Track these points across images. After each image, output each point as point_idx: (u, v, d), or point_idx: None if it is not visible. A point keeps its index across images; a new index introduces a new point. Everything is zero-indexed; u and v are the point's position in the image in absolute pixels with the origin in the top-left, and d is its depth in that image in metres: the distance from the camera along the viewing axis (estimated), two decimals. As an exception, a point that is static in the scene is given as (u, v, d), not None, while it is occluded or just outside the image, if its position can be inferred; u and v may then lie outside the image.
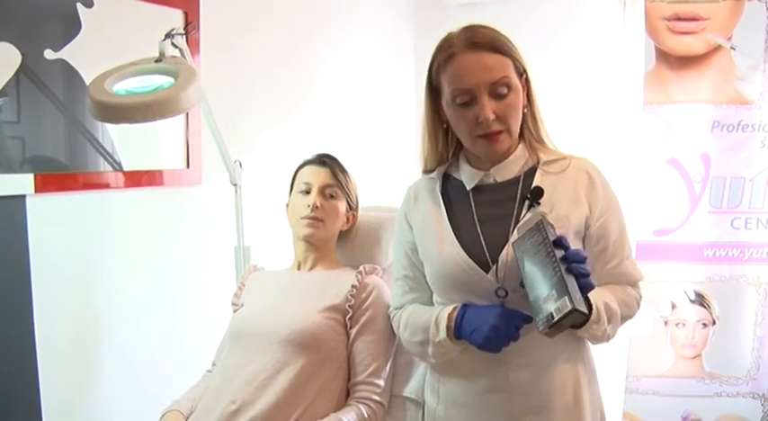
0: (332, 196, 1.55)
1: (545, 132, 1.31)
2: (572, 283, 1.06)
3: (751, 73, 2.33)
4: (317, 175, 1.56)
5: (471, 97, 1.20)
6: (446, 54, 1.23)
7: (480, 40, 1.21)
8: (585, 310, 1.05)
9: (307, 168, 1.59)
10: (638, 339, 2.45)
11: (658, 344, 2.46)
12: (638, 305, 1.32)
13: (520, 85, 1.23)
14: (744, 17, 2.32)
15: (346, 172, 1.60)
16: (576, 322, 1.07)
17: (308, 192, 1.55)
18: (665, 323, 2.46)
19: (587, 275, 1.09)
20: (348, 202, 1.59)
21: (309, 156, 1.62)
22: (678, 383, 2.46)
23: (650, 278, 2.39)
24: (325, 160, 1.59)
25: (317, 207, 1.52)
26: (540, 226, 1.14)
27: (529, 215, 1.21)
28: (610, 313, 1.20)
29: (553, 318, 1.03)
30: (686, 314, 2.44)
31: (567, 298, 1.03)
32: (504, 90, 1.20)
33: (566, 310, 1.02)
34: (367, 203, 1.78)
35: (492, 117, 1.19)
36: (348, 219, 1.60)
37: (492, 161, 1.28)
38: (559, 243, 1.11)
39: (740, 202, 2.38)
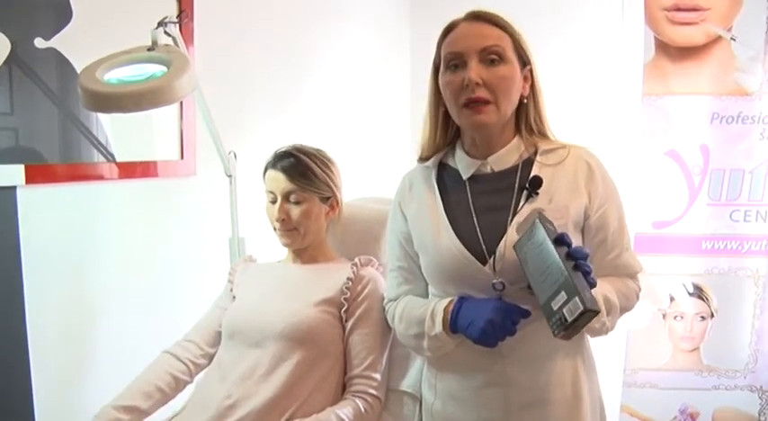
0: (297, 202, 1.48)
1: (548, 128, 1.30)
2: (580, 281, 1.03)
3: (751, 64, 2.32)
4: (277, 183, 1.48)
5: (462, 62, 1.20)
6: (448, 27, 1.26)
7: (483, 14, 1.24)
8: (598, 308, 1.02)
9: (268, 174, 1.51)
10: (636, 332, 2.44)
11: (656, 337, 2.46)
12: (638, 297, 1.31)
13: (516, 65, 1.22)
14: (744, 8, 2.31)
15: (310, 166, 1.49)
16: (590, 321, 1.03)
17: (274, 202, 1.50)
18: (664, 316, 2.45)
19: (590, 272, 1.07)
20: (321, 196, 1.50)
21: (270, 156, 1.53)
22: (676, 376, 2.46)
23: (649, 271, 2.37)
24: (282, 163, 1.48)
25: (283, 219, 1.48)
26: (538, 224, 1.11)
27: (526, 212, 1.19)
28: (609, 306, 1.19)
29: (567, 321, 1.01)
30: (684, 307, 2.43)
31: (577, 298, 1.00)
32: (496, 58, 1.20)
33: (577, 312, 1.00)
34: (363, 195, 1.77)
35: (477, 80, 1.18)
36: (331, 207, 1.54)
37: (483, 145, 1.26)
38: (561, 240, 1.08)
39: (739, 195, 2.37)
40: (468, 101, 1.19)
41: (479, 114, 1.20)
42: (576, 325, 1.01)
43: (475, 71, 1.18)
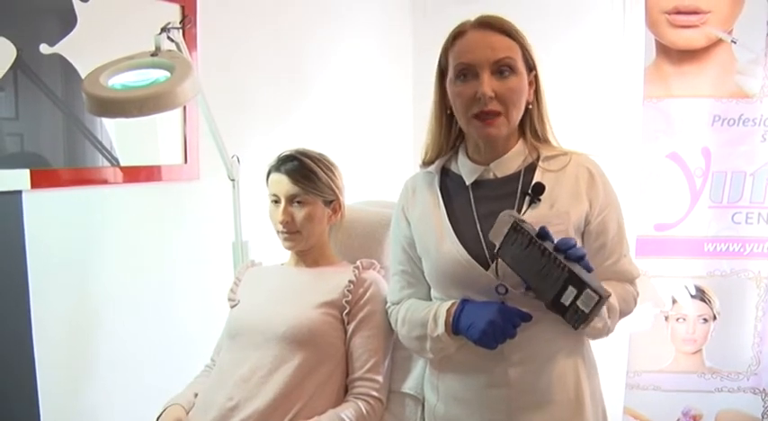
0: (300, 203, 1.49)
1: (551, 133, 1.31)
2: (581, 272, 1.05)
3: (752, 67, 2.32)
4: (281, 186, 1.49)
5: (473, 73, 1.20)
6: (456, 32, 1.25)
7: (491, 22, 1.23)
8: (609, 293, 1.04)
9: (272, 177, 1.52)
10: (638, 334, 2.44)
11: (659, 339, 2.46)
12: (636, 302, 1.32)
13: (525, 74, 1.23)
14: (744, 10, 2.31)
15: (314, 169, 1.50)
16: (603, 306, 1.06)
17: (277, 204, 1.50)
18: (666, 318, 2.46)
19: (584, 256, 1.09)
20: (324, 199, 1.51)
21: (274, 160, 1.53)
22: (679, 378, 2.46)
23: (651, 273, 2.38)
24: (287, 167, 1.49)
25: (287, 222, 1.48)
26: (517, 226, 1.11)
27: (529, 217, 1.19)
28: (609, 308, 1.19)
29: (584, 313, 1.03)
30: (687, 309, 2.43)
31: (589, 289, 1.02)
32: (507, 70, 1.20)
33: (593, 303, 1.02)
34: (366, 198, 1.78)
35: (490, 94, 1.18)
36: (334, 210, 1.54)
37: (488, 151, 1.27)
38: (544, 235, 1.10)
39: (741, 197, 2.38)
40: (481, 113, 1.20)
41: (490, 127, 1.21)
42: (592, 314, 1.04)
43: (488, 85, 1.19)
